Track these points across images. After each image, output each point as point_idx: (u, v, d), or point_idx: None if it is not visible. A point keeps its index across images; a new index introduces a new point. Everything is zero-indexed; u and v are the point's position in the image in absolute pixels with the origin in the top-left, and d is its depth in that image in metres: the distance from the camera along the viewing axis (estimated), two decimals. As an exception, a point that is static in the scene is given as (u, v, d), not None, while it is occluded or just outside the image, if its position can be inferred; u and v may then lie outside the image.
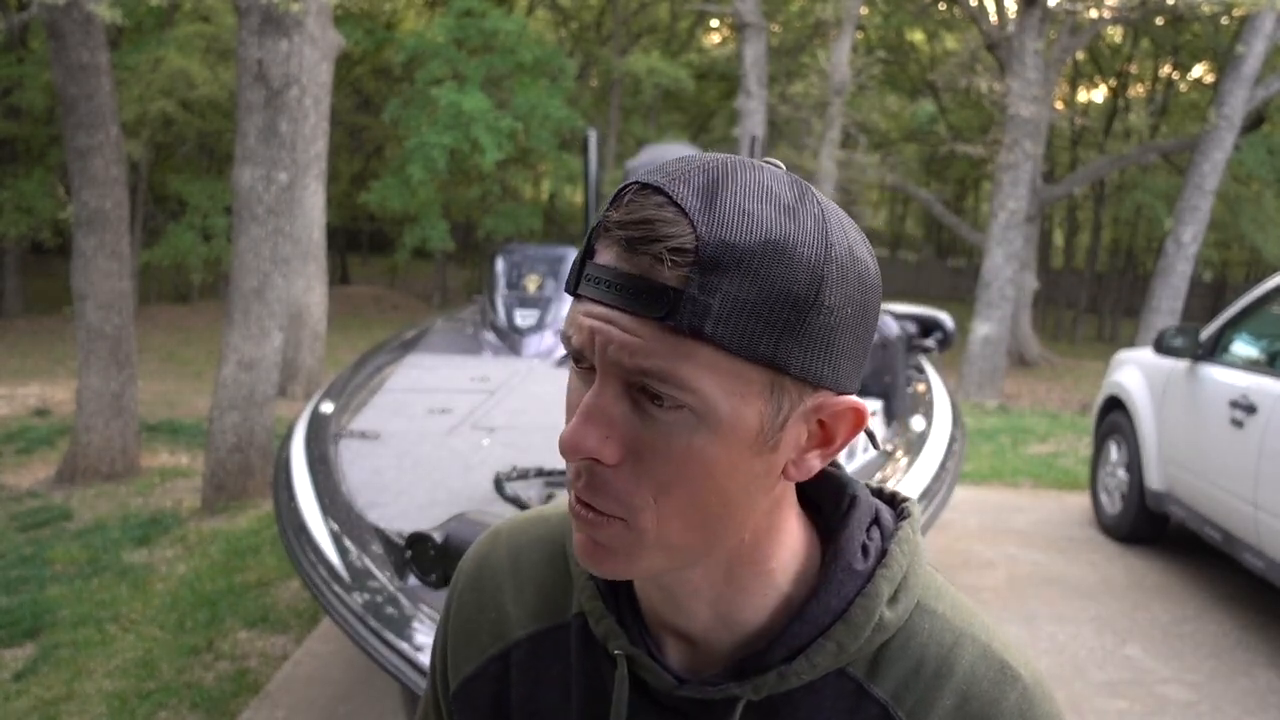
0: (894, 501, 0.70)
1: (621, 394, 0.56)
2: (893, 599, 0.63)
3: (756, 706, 0.63)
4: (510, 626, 0.73)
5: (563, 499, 0.75)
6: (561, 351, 4.43)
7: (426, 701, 0.83)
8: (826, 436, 0.60)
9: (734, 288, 0.53)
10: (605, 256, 0.56)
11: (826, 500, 0.68)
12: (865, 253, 0.59)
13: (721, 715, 0.63)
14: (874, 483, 0.72)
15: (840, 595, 0.62)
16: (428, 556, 1.72)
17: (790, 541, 0.64)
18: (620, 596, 0.67)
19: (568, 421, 0.59)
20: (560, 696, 0.70)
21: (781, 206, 0.55)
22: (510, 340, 4.49)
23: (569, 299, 0.61)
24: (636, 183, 0.56)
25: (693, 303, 0.53)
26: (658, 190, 0.55)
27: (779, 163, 0.60)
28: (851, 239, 0.58)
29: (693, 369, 0.54)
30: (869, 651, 0.63)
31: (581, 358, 0.58)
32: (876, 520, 0.67)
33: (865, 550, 0.65)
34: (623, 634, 0.65)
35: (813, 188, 0.59)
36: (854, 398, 0.60)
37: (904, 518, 0.67)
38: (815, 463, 0.61)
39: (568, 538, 0.73)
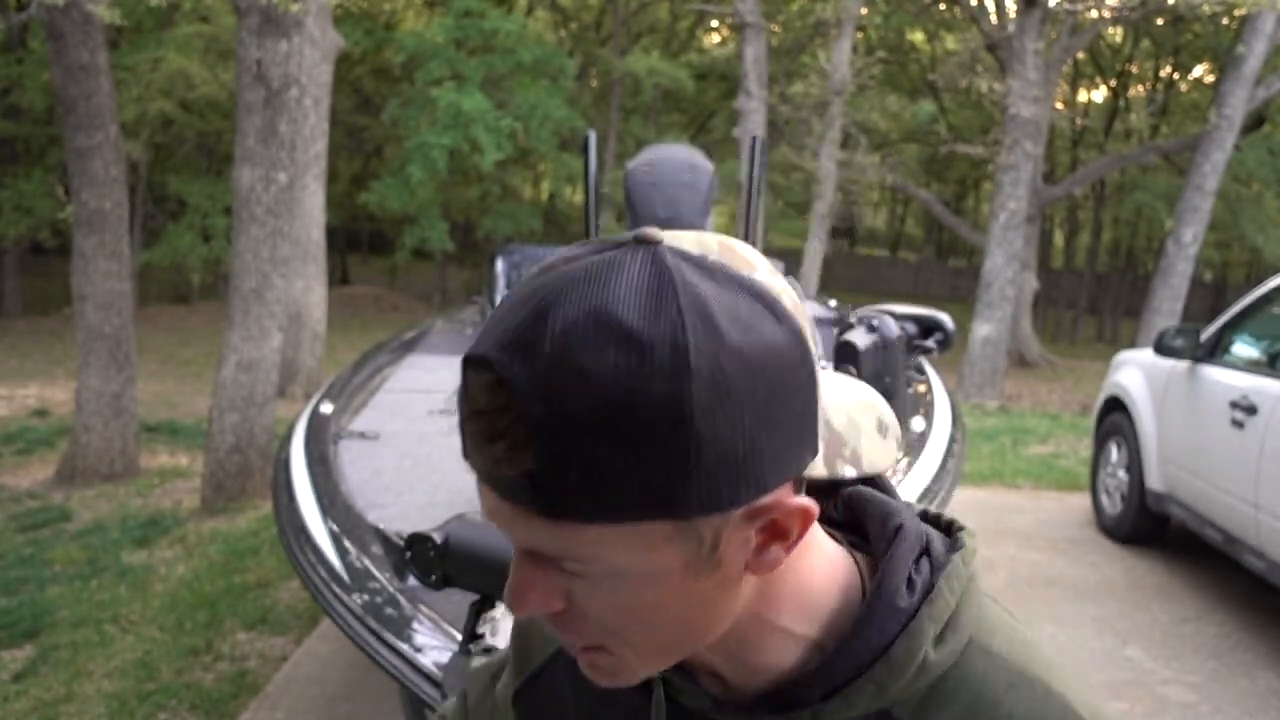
0: (950, 529, 0.65)
1: (540, 560, 0.55)
2: (939, 638, 0.59)
3: None
4: (552, 643, 0.75)
5: None
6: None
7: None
8: (780, 530, 0.54)
9: (588, 458, 0.48)
10: (469, 447, 0.53)
11: (873, 527, 0.64)
12: (764, 330, 0.51)
13: None
14: (924, 506, 0.68)
15: (883, 632, 0.58)
16: (427, 557, 1.71)
17: (806, 592, 0.60)
18: None
19: None
20: (604, 707, 0.70)
21: (624, 337, 0.48)
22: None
23: None
24: (469, 359, 0.52)
25: (549, 488, 0.49)
26: (483, 365, 0.50)
27: (653, 236, 0.53)
28: (734, 328, 0.50)
29: (584, 545, 0.51)
30: (916, 693, 0.59)
31: None
32: (927, 550, 0.62)
33: (911, 584, 0.60)
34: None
35: (682, 274, 0.51)
36: (796, 498, 0.54)
37: (958, 548, 0.62)
38: (780, 554, 0.55)
39: None
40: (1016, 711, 0.58)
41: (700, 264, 0.52)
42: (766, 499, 0.52)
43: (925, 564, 0.61)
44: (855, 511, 0.65)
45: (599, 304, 0.49)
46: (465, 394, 0.52)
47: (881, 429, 0.62)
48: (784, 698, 0.59)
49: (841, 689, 0.58)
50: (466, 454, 0.53)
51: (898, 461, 0.61)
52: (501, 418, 0.49)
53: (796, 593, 0.59)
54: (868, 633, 0.58)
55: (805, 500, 0.54)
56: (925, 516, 0.66)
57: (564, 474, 0.49)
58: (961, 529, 0.65)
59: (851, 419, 0.60)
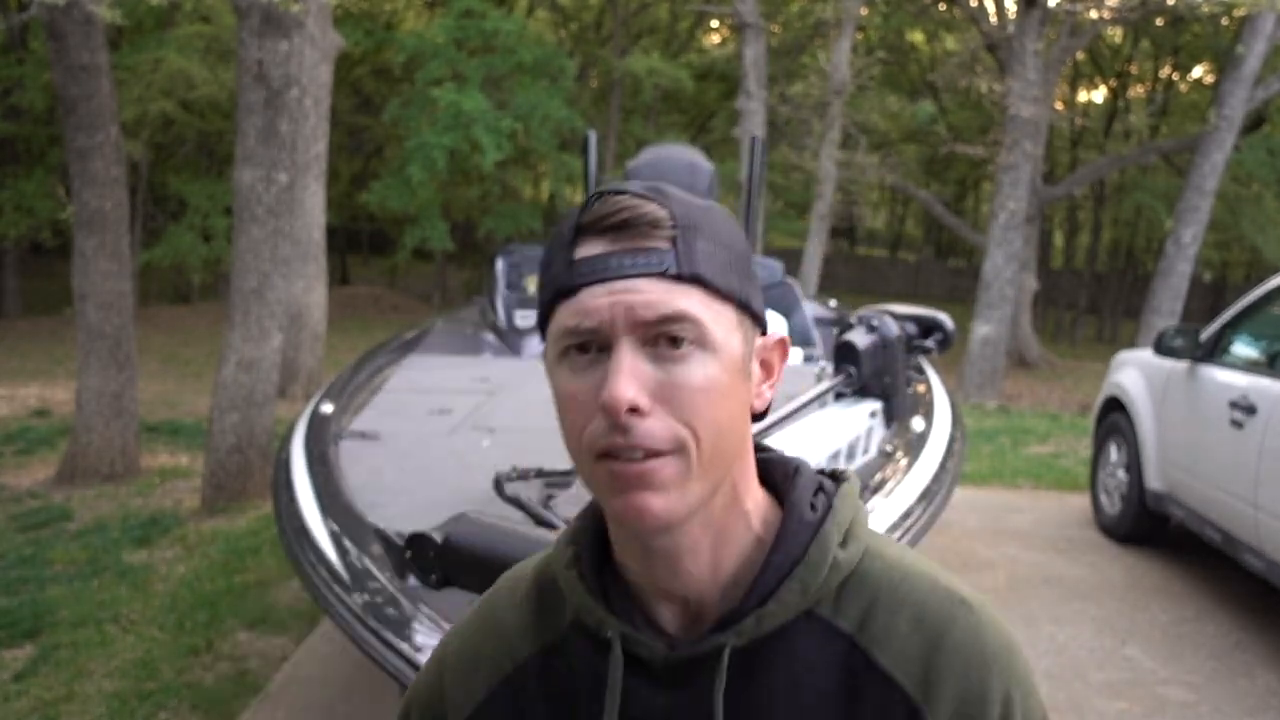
0: (835, 477, 0.79)
1: (641, 352, 0.67)
2: (843, 543, 0.73)
3: (742, 656, 0.71)
4: (513, 652, 0.80)
5: (532, 558, 0.85)
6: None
7: None
8: (768, 372, 0.75)
9: (705, 244, 0.69)
10: (597, 247, 0.69)
11: (775, 474, 0.78)
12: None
13: (711, 667, 0.70)
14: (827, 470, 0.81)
15: (797, 542, 0.73)
16: (427, 557, 1.71)
17: (755, 489, 0.75)
18: (609, 590, 0.75)
19: (567, 419, 0.70)
20: (569, 705, 0.76)
21: (695, 191, 0.71)
22: (510, 341, 4.49)
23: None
24: (599, 192, 0.70)
25: (685, 255, 0.68)
26: (618, 193, 0.69)
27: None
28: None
29: (695, 306, 0.68)
30: (830, 591, 0.72)
31: (587, 345, 0.68)
32: (821, 488, 0.77)
33: (813, 507, 0.75)
34: (613, 618, 0.73)
35: None
36: (770, 336, 0.76)
37: (843, 483, 0.78)
38: (768, 393, 0.75)
39: (554, 564, 0.79)
40: (910, 599, 0.72)
41: None
42: (760, 340, 0.74)
43: (821, 496, 0.76)
44: (759, 464, 0.78)
45: (666, 173, 0.89)
46: (593, 210, 0.69)
47: None
48: (729, 619, 0.71)
49: (775, 591, 0.71)
50: (586, 270, 0.68)
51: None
52: (643, 207, 0.68)
53: (752, 485, 0.75)
54: (786, 543, 0.73)
55: (780, 333, 0.76)
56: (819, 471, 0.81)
57: (691, 246, 0.69)
58: (845, 472, 0.80)
59: None
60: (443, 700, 0.82)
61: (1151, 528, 5.20)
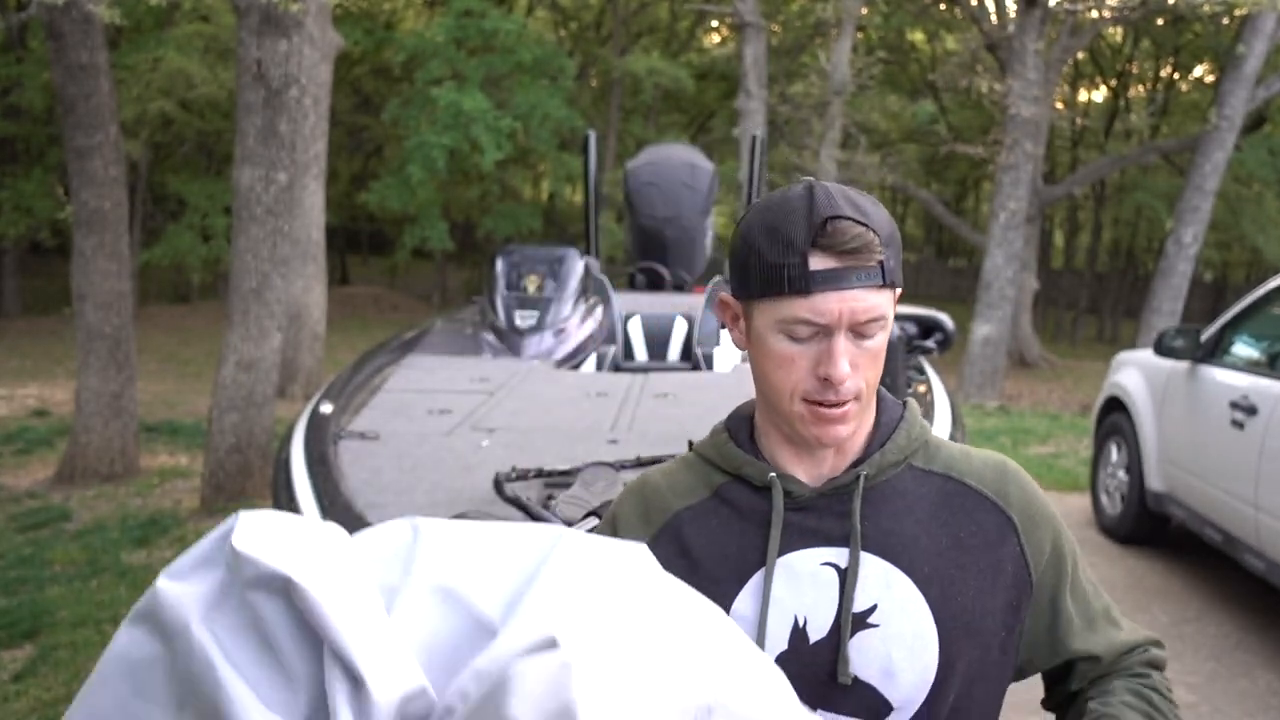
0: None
1: (851, 338, 0.96)
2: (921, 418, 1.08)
3: (867, 491, 1.02)
4: (671, 506, 1.08)
5: (654, 470, 1.16)
6: (561, 352, 4.42)
7: None
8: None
9: (894, 255, 0.98)
10: (829, 262, 0.94)
11: None
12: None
13: (849, 493, 1.02)
14: None
15: (896, 411, 1.08)
16: (427, 558, 1.71)
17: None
18: (756, 457, 1.06)
19: (784, 373, 0.98)
20: (724, 537, 1.04)
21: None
22: (510, 341, 4.47)
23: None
24: (831, 216, 0.94)
25: (890, 270, 0.96)
26: (843, 218, 0.94)
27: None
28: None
29: (887, 305, 0.98)
30: (919, 447, 1.06)
31: (803, 335, 0.96)
32: None
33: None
34: (769, 465, 1.04)
35: None
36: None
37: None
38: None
39: (704, 451, 1.10)
40: (972, 452, 1.09)
41: None
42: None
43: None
44: None
45: (855, 195, 1.00)
46: (828, 233, 0.94)
47: None
48: (857, 461, 1.04)
49: (889, 438, 1.05)
50: (822, 280, 0.94)
51: None
52: (866, 235, 0.95)
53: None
54: (888, 412, 1.08)
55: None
56: None
57: (890, 260, 0.96)
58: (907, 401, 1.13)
59: None
60: None
61: (1152, 528, 5.20)
